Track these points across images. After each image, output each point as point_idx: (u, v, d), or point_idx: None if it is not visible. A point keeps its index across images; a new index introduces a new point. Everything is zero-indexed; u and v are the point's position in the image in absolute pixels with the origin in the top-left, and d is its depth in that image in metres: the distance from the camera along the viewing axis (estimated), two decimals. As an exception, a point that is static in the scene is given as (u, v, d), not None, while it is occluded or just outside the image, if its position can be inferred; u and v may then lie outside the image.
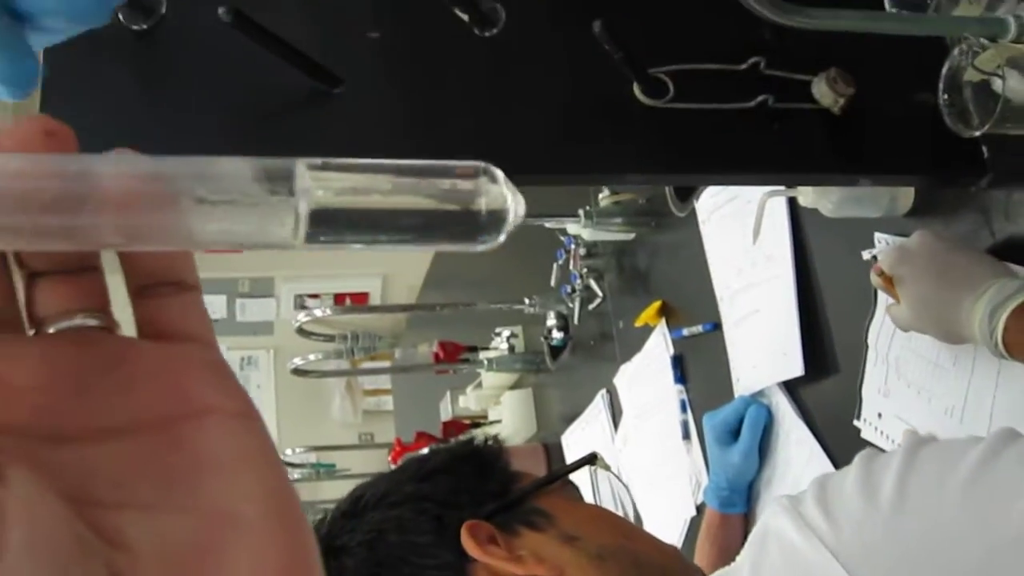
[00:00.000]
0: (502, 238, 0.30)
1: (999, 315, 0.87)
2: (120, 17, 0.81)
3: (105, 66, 0.82)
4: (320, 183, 0.27)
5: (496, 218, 0.29)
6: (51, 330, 0.31)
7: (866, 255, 1.06)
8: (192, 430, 0.30)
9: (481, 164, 0.29)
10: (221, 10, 0.76)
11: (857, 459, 0.67)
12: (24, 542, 0.24)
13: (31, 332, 0.32)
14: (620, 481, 1.01)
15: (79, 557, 0.26)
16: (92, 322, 0.31)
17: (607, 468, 0.97)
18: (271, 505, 0.30)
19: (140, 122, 0.82)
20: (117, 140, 0.76)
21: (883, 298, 1.18)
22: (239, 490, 0.30)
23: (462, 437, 2.43)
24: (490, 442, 0.94)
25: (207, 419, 0.31)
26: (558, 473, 0.92)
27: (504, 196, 0.29)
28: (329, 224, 0.27)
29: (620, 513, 0.97)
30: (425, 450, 2.80)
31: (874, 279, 1.02)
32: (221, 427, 0.31)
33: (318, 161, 0.28)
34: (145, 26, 0.82)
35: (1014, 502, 0.57)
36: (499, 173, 0.29)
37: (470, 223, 0.29)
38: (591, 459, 0.96)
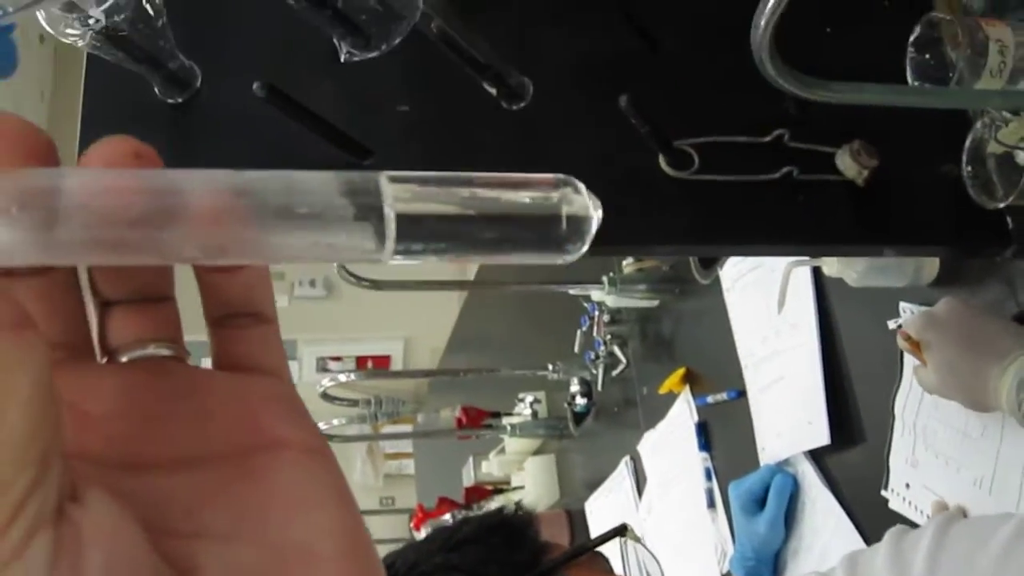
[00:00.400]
0: (585, 248, 0.29)
1: None
2: (156, 91, 0.83)
3: (140, 137, 0.84)
4: (405, 194, 0.27)
5: (580, 226, 0.29)
6: (124, 359, 0.31)
7: (891, 325, 1.06)
8: (266, 463, 0.30)
9: (562, 176, 0.30)
10: (256, 85, 0.77)
11: (887, 536, 0.67)
12: (102, 566, 0.24)
13: (104, 361, 0.32)
14: (650, 553, 1.00)
15: None
16: (164, 352, 0.32)
17: (637, 540, 0.96)
18: (347, 543, 0.30)
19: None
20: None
21: (909, 367, 1.18)
22: (315, 526, 0.30)
23: (491, 506, 2.42)
24: (519, 511, 0.93)
25: (281, 453, 0.31)
26: (588, 545, 0.91)
27: (587, 205, 0.29)
28: (416, 234, 0.27)
29: (649, 586, 0.96)
30: (447, 516, 2.79)
31: (900, 343, 1.02)
32: (295, 462, 0.31)
33: (400, 174, 0.28)
34: (180, 99, 0.84)
35: None
36: (581, 184, 0.29)
37: (554, 231, 0.29)
38: (621, 530, 0.96)
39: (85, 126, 0.82)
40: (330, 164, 0.86)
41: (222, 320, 0.32)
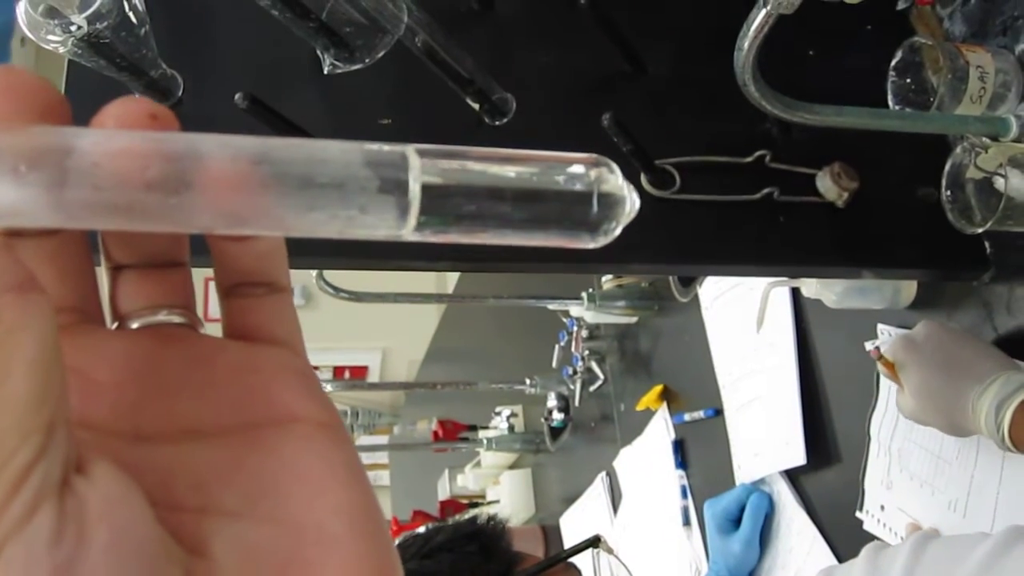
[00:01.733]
0: (618, 231, 0.28)
1: (1006, 408, 0.87)
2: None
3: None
4: (432, 168, 0.26)
5: (613, 207, 0.28)
6: (134, 325, 0.30)
7: (869, 346, 1.06)
8: (277, 438, 0.29)
9: (597, 155, 0.28)
10: (238, 96, 0.77)
11: (864, 552, 0.67)
12: (108, 542, 0.23)
13: (114, 327, 0.31)
14: (623, 564, 0.99)
15: (164, 561, 0.25)
16: (176, 319, 0.31)
17: (611, 551, 0.96)
18: (360, 521, 0.29)
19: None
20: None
21: (885, 389, 1.18)
22: (327, 503, 0.29)
23: (465, 515, 2.41)
24: (492, 522, 0.93)
25: (294, 427, 0.29)
26: (561, 555, 0.91)
27: (621, 186, 0.28)
28: (440, 210, 0.26)
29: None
30: (422, 529, 2.78)
31: (880, 368, 1.02)
32: (308, 437, 0.29)
33: (428, 147, 0.27)
34: (162, 109, 0.84)
35: None
36: (615, 166, 0.28)
37: (585, 210, 0.27)
38: (594, 542, 0.95)
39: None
40: (311, 176, 0.85)
41: (234, 289, 0.31)
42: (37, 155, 0.23)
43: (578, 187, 0.27)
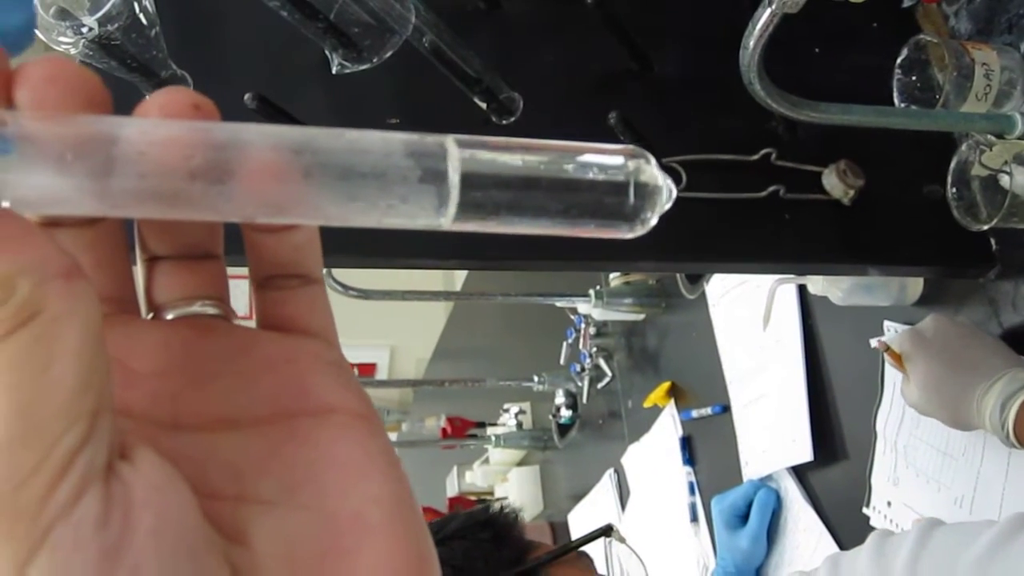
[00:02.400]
0: (654, 221, 0.28)
1: (1010, 405, 0.87)
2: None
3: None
4: (471, 159, 0.26)
5: (651, 196, 0.28)
6: (169, 316, 0.30)
7: (874, 343, 1.07)
8: (314, 427, 0.29)
9: (634, 147, 0.28)
10: (247, 96, 0.78)
11: (870, 538, 0.67)
12: (153, 528, 0.23)
13: (149, 317, 0.31)
14: (635, 554, 1.00)
15: (206, 548, 0.25)
16: (211, 310, 0.31)
17: (622, 540, 0.97)
18: (397, 510, 0.29)
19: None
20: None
21: (891, 385, 1.19)
22: (365, 493, 0.29)
23: (477, 504, 2.42)
24: (505, 510, 0.94)
25: (329, 418, 0.29)
26: (574, 544, 0.92)
27: (657, 176, 0.28)
28: (479, 200, 0.26)
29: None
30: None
31: (888, 359, 1.02)
32: (344, 427, 0.30)
33: (467, 138, 0.27)
34: (172, 109, 0.84)
35: None
36: (652, 157, 0.28)
37: (623, 200, 0.27)
38: (607, 531, 0.96)
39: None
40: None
41: (268, 281, 0.31)
42: (83, 144, 0.24)
43: (617, 177, 0.27)
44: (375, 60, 0.87)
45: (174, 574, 0.23)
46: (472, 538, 0.88)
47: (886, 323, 1.18)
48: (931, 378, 0.96)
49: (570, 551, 0.90)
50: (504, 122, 0.91)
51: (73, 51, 0.75)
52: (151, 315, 0.31)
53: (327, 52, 0.87)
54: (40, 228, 0.23)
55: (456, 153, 0.26)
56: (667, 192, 0.28)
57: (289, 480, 0.28)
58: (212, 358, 0.29)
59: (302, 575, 0.27)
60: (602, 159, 0.28)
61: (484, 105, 0.90)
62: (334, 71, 0.87)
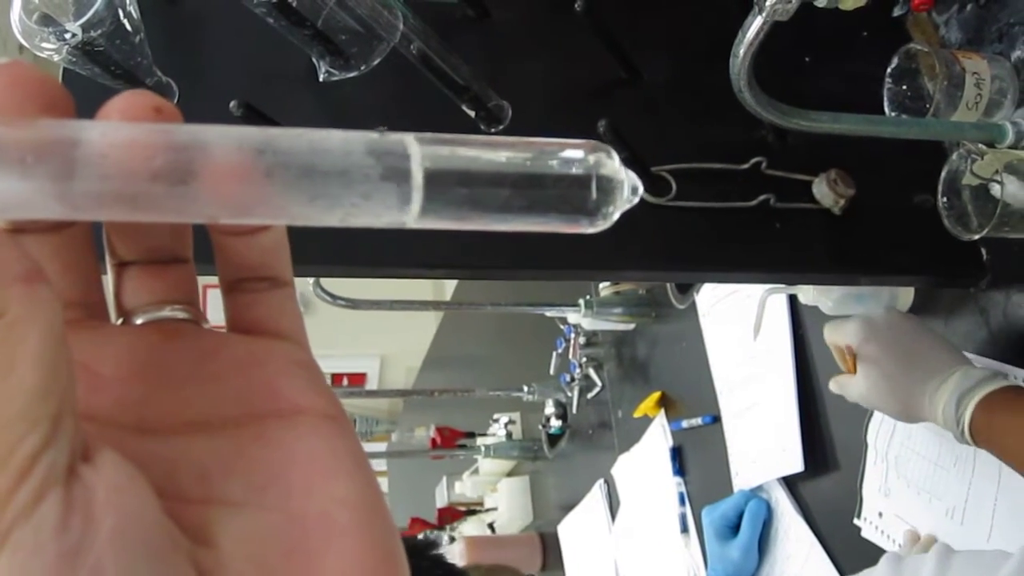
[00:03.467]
0: (616, 216, 0.28)
1: (966, 403, 0.89)
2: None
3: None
4: (432, 156, 0.26)
5: (612, 192, 0.27)
6: (139, 321, 0.30)
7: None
8: (282, 429, 0.29)
9: (596, 141, 0.28)
10: (232, 104, 0.77)
11: (884, 562, 0.67)
12: (115, 530, 0.23)
13: (118, 322, 0.31)
14: None
15: (169, 550, 0.25)
16: (180, 314, 0.31)
17: None
18: (364, 511, 0.29)
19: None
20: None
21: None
22: (333, 494, 0.29)
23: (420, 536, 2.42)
24: (426, 539, 0.93)
25: (298, 419, 0.30)
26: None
27: (619, 170, 0.28)
28: (443, 196, 0.26)
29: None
30: (421, 537, 2.78)
31: (835, 351, 1.03)
32: (313, 428, 0.30)
33: (427, 135, 0.27)
34: (157, 117, 0.83)
35: None
36: (613, 152, 0.28)
37: (584, 195, 0.27)
38: None
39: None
40: (307, 184, 0.85)
41: (238, 284, 0.32)
42: (44, 147, 0.24)
43: (577, 171, 0.27)
44: (363, 68, 0.86)
45: (136, 575, 0.23)
46: (415, 568, 0.87)
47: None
48: (882, 370, 0.97)
49: None
50: (492, 130, 0.90)
51: (56, 57, 0.74)
52: (121, 320, 0.31)
53: (314, 60, 0.87)
54: (1, 233, 0.23)
55: (418, 150, 0.26)
56: (629, 187, 0.28)
57: (256, 481, 0.28)
58: (180, 362, 0.29)
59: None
60: (564, 154, 0.28)
61: (472, 113, 0.89)
62: (321, 79, 0.87)
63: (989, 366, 0.98)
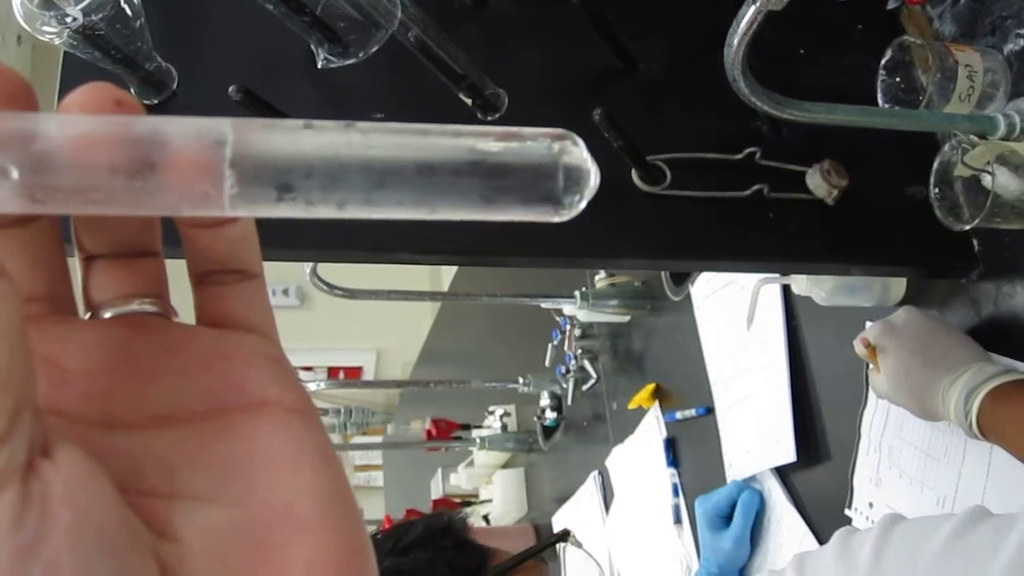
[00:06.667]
0: (583, 204, 0.27)
1: (975, 397, 0.90)
2: (132, 92, 0.83)
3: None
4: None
5: (578, 179, 0.27)
6: (107, 315, 0.30)
7: (856, 344, 1.08)
8: (248, 423, 0.29)
9: (561, 129, 0.27)
10: (231, 88, 0.78)
11: (835, 536, 0.68)
12: (71, 525, 0.23)
13: (87, 316, 0.31)
14: (592, 558, 1.00)
15: (128, 545, 0.25)
16: (149, 308, 0.31)
17: (579, 546, 0.97)
18: (329, 505, 0.29)
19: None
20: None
21: (875, 386, 1.19)
22: (297, 487, 0.29)
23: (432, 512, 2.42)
24: (460, 516, 0.93)
25: (264, 412, 0.30)
26: (532, 551, 0.92)
27: (586, 159, 0.27)
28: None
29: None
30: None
31: (858, 348, 1.04)
32: (279, 422, 0.30)
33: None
34: (156, 101, 0.84)
35: (988, 566, 0.58)
36: (580, 140, 0.27)
37: (551, 182, 0.26)
38: (563, 536, 0.96)
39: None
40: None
41: (206, 277, 0.31)
42: (1, 141, 0.24)
43: (542, 158, 0.27)
44: (361, 55, 0.87)
45: (93, 570, 0.23)
46: (434, 546, 0.88)
47: (868, 324, 1.19)
48: (900, 368, 0.98)
49: (529, 557, 0.90)
50: (489, 118, 0.91)
51: (57, 41, 0.75)
52: (89, 314, 0.31)
53: (312, 47, 0.87)
54: None
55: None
56: (594, 177, 0.27)
57: (221, 475, 0.28)
58: (147, 356, 0.29)
59: (232, 569, 0.27)
60: (528, 142, 0.27)
61: (469, 101, 0.90)
62: (319, 65, 0.87)
63: (1011, 365, 0.98)
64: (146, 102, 0.84)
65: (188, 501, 0.28)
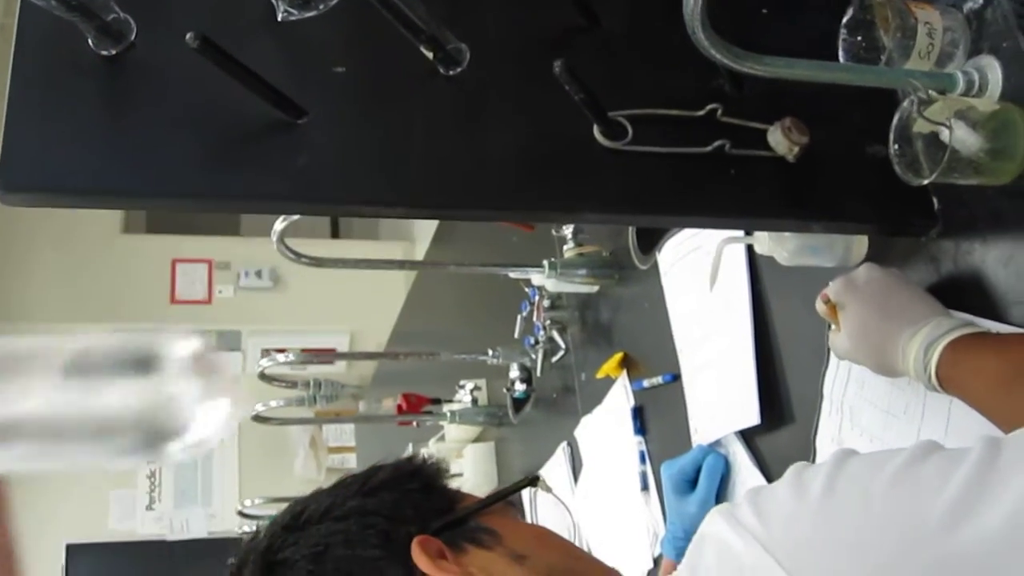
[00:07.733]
0: None
1: (934, 349, 0.91)
2: (90, 42, 0.83)
3: (72, 88, 0.83)
4: None
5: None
6: None
7: (818, 304, 1.09)
8: None
9: None
10: (189, 35, 0.77)
11: (789, 471, 0.69)
12: None
13: None
14: (561, 502, 1.00)
15: None
16: None
17: (549, 490, 0.97)
18: None
19: (104, 145, 0.82)
20: (81, 161, 0.77)
21: (837, 347, 1.20)
22: None
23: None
24: (432, 460, 0.94)
25: None
26: (501, 493, 0.92)
27: None
28: None
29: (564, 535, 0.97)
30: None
31: (819, 306, 1.05)
32: None
33: None
34: (114, 51, 0.84)
35: (936, 497, 0.59)
36: None
37: None
38: (533, 480, 0.96)
39: (16, 75, 0.81)
40: (264, 123, 0.86)
41: None
42: None
43: None
44: (321, 7, 0.87)
45: None
46: (400, 489, 0.88)
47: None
48: (860, 322, 0.99)
49: (498, 500, 0.90)
50: (451, 72, 0.91)
51: (11, -14, 0.74)
52: None
53: (272, -1, 0.87)
54: None
55: None
56: None
57: None
58: None
59: None
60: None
61: (431, 55, 0.90)
62: (280, 18, 0.87)
63: (970, 320, 0.99)
64: (104, 53, 0.83)
65: None
